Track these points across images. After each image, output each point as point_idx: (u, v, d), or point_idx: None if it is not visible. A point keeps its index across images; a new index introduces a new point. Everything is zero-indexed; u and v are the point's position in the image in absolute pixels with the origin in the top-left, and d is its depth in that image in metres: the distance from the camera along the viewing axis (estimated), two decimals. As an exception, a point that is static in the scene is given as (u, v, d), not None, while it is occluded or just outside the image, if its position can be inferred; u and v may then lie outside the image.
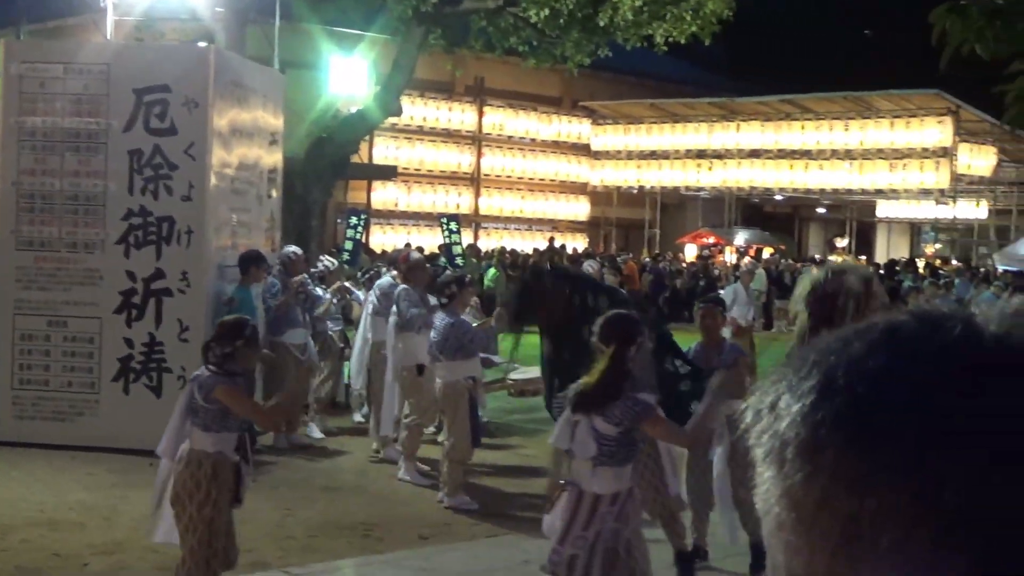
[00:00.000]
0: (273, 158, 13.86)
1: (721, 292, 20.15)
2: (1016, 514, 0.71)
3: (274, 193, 13.95)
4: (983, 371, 0.73)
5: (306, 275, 12.90)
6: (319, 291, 13.14)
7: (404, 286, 11.89)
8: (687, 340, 9.11)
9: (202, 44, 14.12)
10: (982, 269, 32.97)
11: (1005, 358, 0.74)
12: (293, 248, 13.18)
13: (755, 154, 39.08)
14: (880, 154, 36.68)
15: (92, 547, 8.46)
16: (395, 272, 13.88)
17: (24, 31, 15.17)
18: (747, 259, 36.10)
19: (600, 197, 43.18)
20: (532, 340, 9.55)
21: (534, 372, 11.52)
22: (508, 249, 35.00)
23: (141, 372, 11.67)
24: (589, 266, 18.07)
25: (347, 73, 26.08)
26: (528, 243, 38.41)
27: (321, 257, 15.77)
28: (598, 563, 5.77)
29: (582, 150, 42.83)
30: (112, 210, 11.71)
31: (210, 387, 6.44)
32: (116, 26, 14.81)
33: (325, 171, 21.52)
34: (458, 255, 27.23)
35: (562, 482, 6.04)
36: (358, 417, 13.61)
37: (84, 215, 11.76)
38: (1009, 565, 0.71)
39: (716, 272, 34.01)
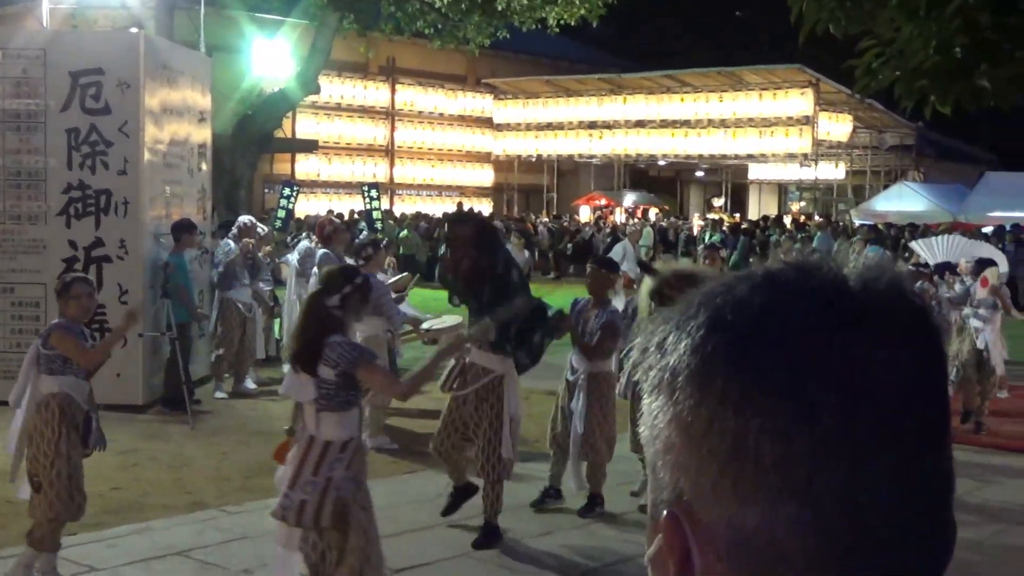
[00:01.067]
0: (202, 134, 13.66)
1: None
2: (875, 433, 0.74)
3: (204, 166, 13.76)
4: (850, 311, 0.76)
5: (252, 241, 12.82)
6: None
7: (325, 250, 11.82)
8: (581, 292, 9.16)
9: (133, 30, 13.85)
10: (841, 223, 33.59)
11: (868, 301, 0.77)
12: (248, 217, 13.13)
13: (640, 124, 39.34)
14: (750, 123, 37.12)
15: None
16: (314, 237, 13.84)
17: (-36, 19, 14.73)
18: (635, 219, 36.40)
19: (503, 165, 43.26)
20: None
21: (449, 321, 11.51)
22: (422, 213, 35.07)
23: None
24: (514, 239, 18.17)
25: (269, 55, 25.70)
26: (439, 207, 38.39)
27: (256, 224, 15.62)
28: (328, 511, 5.26)
29: (485, 123, 42.81)
30: (53, 184, 11.46)
31: (47, 334, 6.36)
32: (52, 14, 14.45)
33: (251, 146, 21.29)
34: (377, 220, 27.19)
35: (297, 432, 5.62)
36: (287, 368, 13.50)
37: (27, 189, 11.49)
38: (874, 479, 0.74)
39: (608, 229, 34.24)
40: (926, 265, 12.96)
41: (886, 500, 0.74)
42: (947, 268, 12.09)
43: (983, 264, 11.61)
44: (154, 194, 11.92)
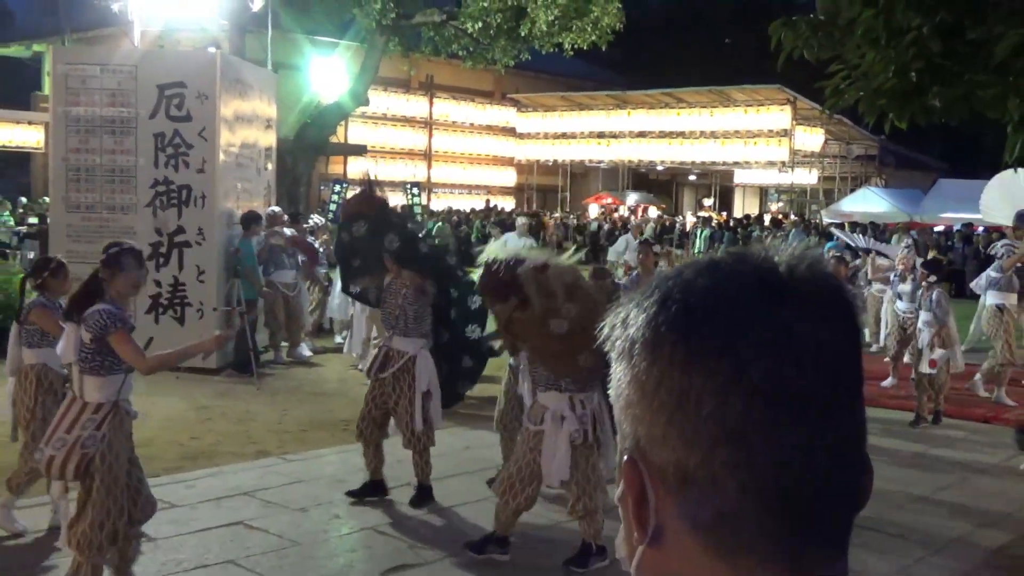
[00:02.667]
0: (268, 139, 13.67)
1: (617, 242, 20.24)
2: (797, 387, 0.76)
3: (269, 166, 13.78)
4: (776, 288, 0.79)
5: (294, 231, 12.83)
6: (311, 240, 13.09)
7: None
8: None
9: (210, 49, 13.82)
10: (813, 221, 33.39)
11: (792, 281, 0.79)
12: (275, 207, 13.12)
13: (642, 134, 39.18)
14: (736, 134, 36.92)
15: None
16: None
17: (68, 39, 14.77)
18: (642, 217, 36.24)
19: (524, 168, 43.17)
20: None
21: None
22: (454, 209, 35.16)
23: (168, 306, 11.53)
24: (521, 220, 18.15)
25: (326, 72, 25.67)
26: (469, 203, 38.37)
27: (311, 216, 15.66)
28: (72, 466, 4.86)
29: (509, 132, 42.70)
30: (142, 180, 11.51)
31: (27, 311, 6.17)
32: (142, 35, 14.46)
33: (309, 149, 21.29)
34: (418, 213, 27.38)
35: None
36: (338, 339, 13.57)
37: (120, 184, 11.55)
38: (797, 425, 0.76)
39: (609, 224, 34.13)
40: (847, 247, 12.89)
41: (807, 443, 0.76)
42: (932, 268, 10.46)
43: (933, 269, 10.25)
44: (227, 189, 11.95)
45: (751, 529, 0.76)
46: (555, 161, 42.20)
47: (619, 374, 0.82)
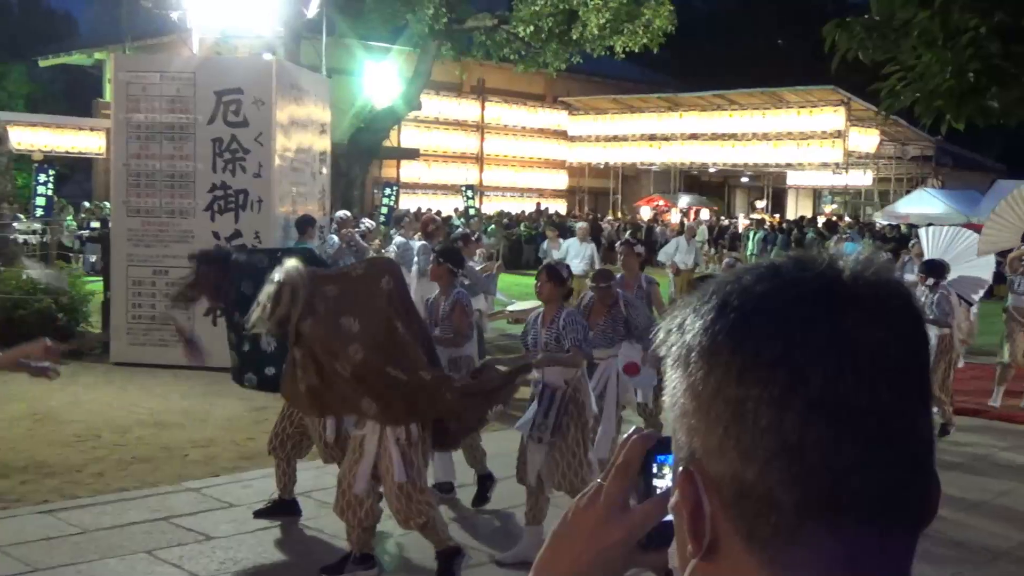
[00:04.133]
0: (323, 144, 13.81)
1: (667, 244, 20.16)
2: (859, 399, 0.73)
3: (324, 170, 13.91)
4: (840, 295, 0.76)
5: (355, 232, 12.94)
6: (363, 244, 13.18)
7: (423, 242, 11.87)
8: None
9: (266, 56, 14.01)
10: (869, 223, 32.97)
11: (857, 288, 0.77)
12: (345, 212, 13.24)
13: (694, 136, 38.92)
14: (789, 136, 36.55)
15: (191, 441, 8.53)
16: (402, 231, 13.91)
17: (129, 47, 15.04)
18: (693, 219, 35.99)
19: (575, 171, 43.08)
20: (527, 281, 9.55)
21: (529, 304, 11.55)
22: (505, 211, 35.24)
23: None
24: (580, 225, 18.18)
25: (379, 77, 25.86)
26: (520, 206, 38.40)
27: (363, 219, 15.75)
28: None
29: (561, 135, 42.64)
30: (200, 185, 11.70)
31: None
32: (200, 43, 14.68)
33: (363, 153, 21.47)
34: (472, 215, 27.68)
35: None
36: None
37: (179, 188, 11.74)
38: (857, 439, 0.73)
39: (658, 228, 33.96)
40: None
41: (867, 458, 0.73)
42: (933, 269, 9.80)
43: (930, 271, 9.70)
44: (283, 193, 12.10)
45: (809, 546, 0.74)
46: (606, 164, 42.08)
47: (675, 382, 0.81)
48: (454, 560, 5.54)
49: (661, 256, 18.28)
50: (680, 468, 0.81)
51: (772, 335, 0.75)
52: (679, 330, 0.81)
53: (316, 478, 7.53)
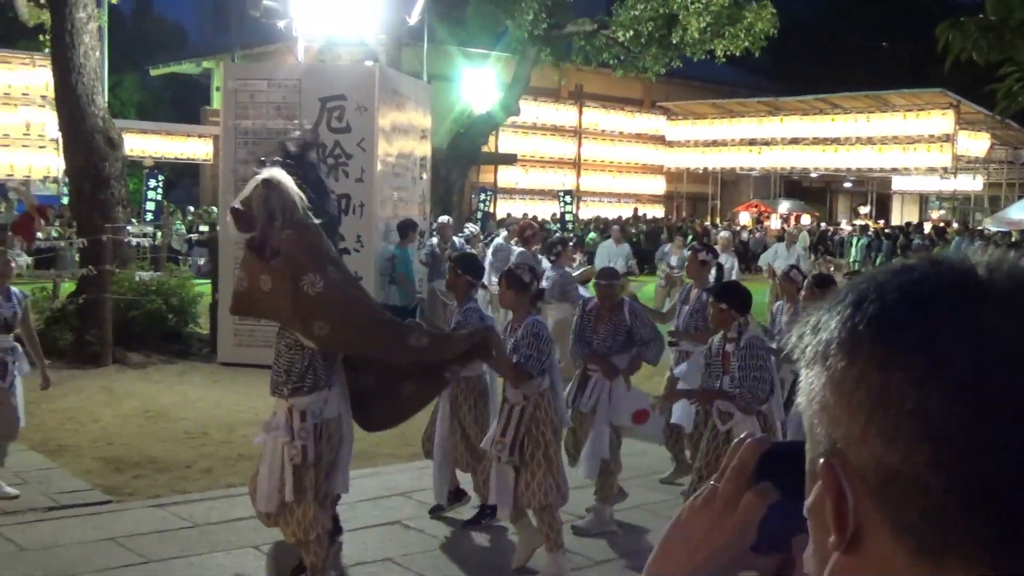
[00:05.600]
0: (423, 149, 13.96)
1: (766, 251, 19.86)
2: (1000, 383, 0.74)
3: (424, 175, 14.07)
4: (975, 288, 0.78)
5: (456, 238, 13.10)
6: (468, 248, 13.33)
7: (522, 248, 11.92)
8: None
9: (369, 63, 14.24)
10: (978, 230, 31.99)
11: (991, 282, 0.78)
12: (446, 217, 13.38)
13: (795, 141, 38.35)
14: (895, 140, 35.70)
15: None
16: (505, 234, 13.98)
17: (237, 56, 15.44)
18: (795, 225, 35.38)
19: (673, 176, 42.79)
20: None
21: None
22: (601, 217, 35.23)
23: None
24: (615, 228, 18.17)
25: (478, 83, 26.05)
26: (617, 211, 38.28)
27: (467, 224, 15.93)
28: None
29: (659, 140, 42.41)
30: (304, 190, 11.93)
31: None
32: (305, 51, 15.00)
33: (462, 159, 21.64)
34: (569, 221, 27.83)
35: None
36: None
37: (284, 194, 11.99)
38: (1000, 421, 0.73)
39: (760, 232, 33.46)
40: None
41: (1012, 442, 0.73)
42: None
43: None
44: (384, 198, 12.27)
45: (957, 530, 0.74)
46: (705, 169, 41.70)
47: (811, 379, 0.82)
48: None
49: (761, 262, 18.02)
50: (820, 461, 0.81)
51: (912, 324, 0.76)
52: (813, 331, 0.83)
53: (417, 479, 7.62)
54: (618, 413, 6.63)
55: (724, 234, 15.44)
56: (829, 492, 0.80)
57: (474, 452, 6.41)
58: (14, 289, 7.08)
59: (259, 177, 5.03)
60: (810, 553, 0.84)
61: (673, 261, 17.85)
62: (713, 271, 7.91)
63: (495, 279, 12.09)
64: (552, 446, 5.70)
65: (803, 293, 7.05)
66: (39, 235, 17.36)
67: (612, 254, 15.66)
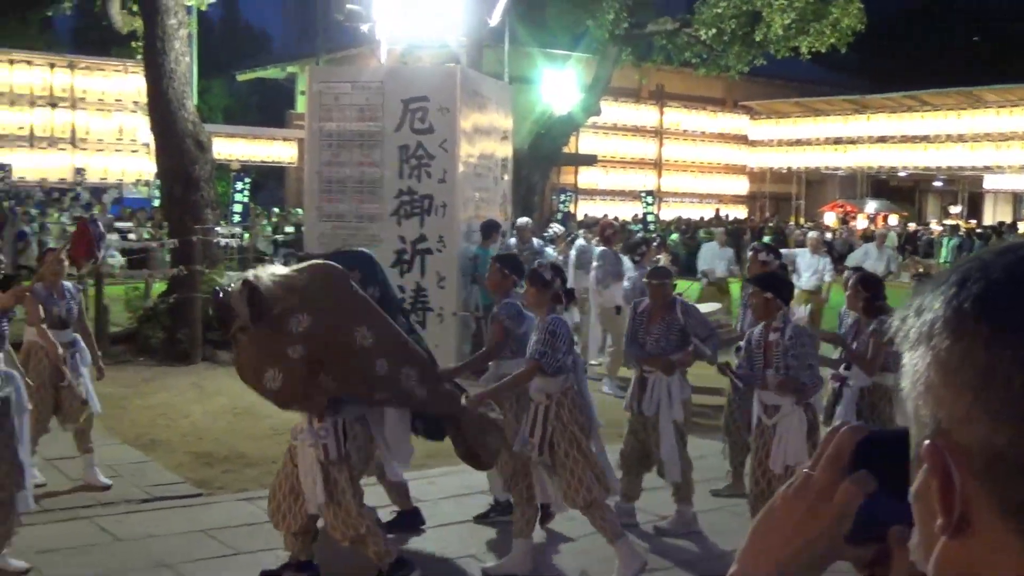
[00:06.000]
0: (504, 150, 14.01)
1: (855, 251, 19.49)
2: None
3: (505, 177, 14.11)
4: None
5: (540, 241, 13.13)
6: (549, 250, 13.38)
7: (603, 248, 11.89)
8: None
9: (450, 64, 14.34)
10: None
11: None
12: (526, 219, 13.42)
13: (882, 139, 37.62)
14: (987, 137, 34.78)
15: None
16: (586, 235, 13.95)
17: (322, 60, 15.71)
18: (883, 226, 34.66)
19: (756, 176, 42.30)
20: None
21: (710, 307, 11.41)
22: (682, 218, 35.01)
23: (410, 311, 12.01)
24: (719, 231, 17.90)
25: (559, 84, 26.06)
26: (699, 212, 37.96)
27: (551, 224, 15.96)
28: None
29: (741, 139, 41.98)
30: (387, 190, 12.06)
31: None
32: (388, 53, 15.17)
33: (543, 160, 21.66)
34: (651, 222, 27.72)
35: None
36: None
37: (368, 195, 12.13)
38: None
39: (845, 233, 32.83)
40: None
41: None
42: None
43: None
44: (466, 199, 12.33)
45: None
46: (789, 168, 41.11)
47: (915, 360, 0.81)
48: (395, 574, 5.36)
49: (850, 262, 17.62)
50: (925, 442, 0.80)
51: (1019, 303, 0.75)
52: (916, 314, 0.82)
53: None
54: (679, 409, 6.58)
55: (813, 234, 14.90)
56: (935, 474, 0.79)
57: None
58: (67, 284, 7.41)
59: (243, 277, 5.26)
60: (916, 541, 0.83)
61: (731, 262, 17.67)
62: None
63: (582, 281, 12.10)
64: (584, 442, 5.63)
65: (848, 292, 6.80)
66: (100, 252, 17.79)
67: (716, 256, 15.53)
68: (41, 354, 6.95)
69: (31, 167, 27.59)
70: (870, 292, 6.36)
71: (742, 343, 6.22)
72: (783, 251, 10.11)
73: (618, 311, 10.98)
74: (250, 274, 5.21)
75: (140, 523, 6.44)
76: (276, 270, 5.40)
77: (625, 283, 10.28)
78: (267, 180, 41.48)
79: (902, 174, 41.07)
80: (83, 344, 7.33)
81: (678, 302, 6.82)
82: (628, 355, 6.98)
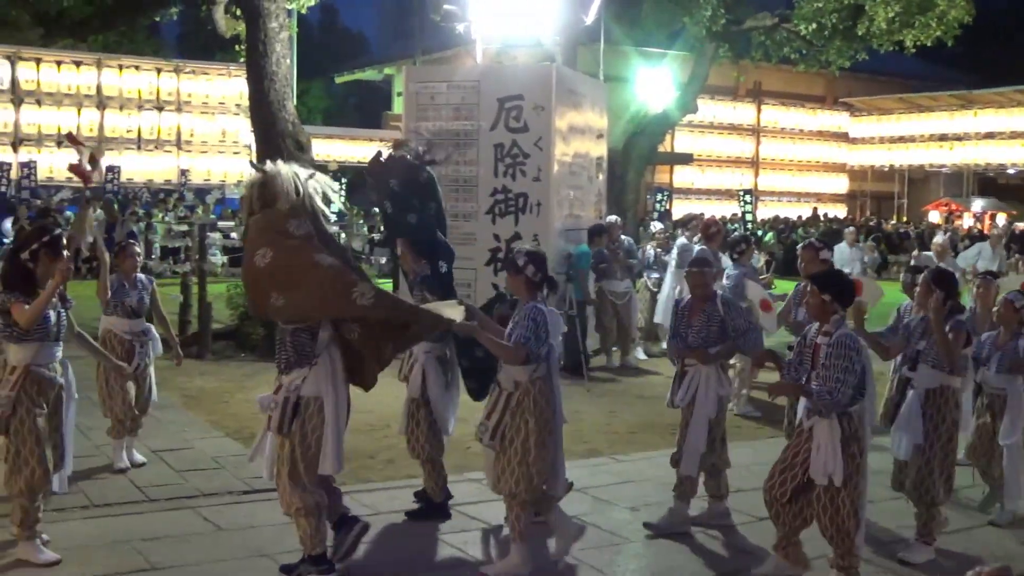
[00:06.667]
0: (599, 149, 13.95)
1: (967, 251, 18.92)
2: None
3: (600, 176, 14.06)
4: None
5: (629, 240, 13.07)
6: (648, 248, 13.39)
7: (702, 245, 11.76)
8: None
9: (545, 63, 14.35)
10: None
11: None
12: (614, 217, 13.35)
13: (990, 136, 36.40)
14: (1102, 132, 33.44)
15: (472, 435, 8.83)
16: (687, 233, 13.81)
17: (418, 60, 15.87)
18: (999, 224, 33.50)
19: (856, 174, 41.41)
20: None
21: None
22: (780, 217, 34.45)
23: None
24: (849, 230, 17.48)
25: (654, 82, 25.89)
26: (797, 211, 37.30)
27: (652, 222, 15.85)
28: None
29: (841, 137, 41.12)
30: (482, 189, 12.11)
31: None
32: (483, 53, 15.26)
33: (638, 159, 21.55)
34: (749, 221, 27.42)
35: None
36: (664, 345, 13.57)
37: (462, 193, 12.20)
38: None
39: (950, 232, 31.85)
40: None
41: None
42: None
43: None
44: (561, 198, 12.32)
45: None
46: (891, 166, 40.11)
47: None
48: (312, 568, 5.30)
49: (960, 261, 17.02)
50: None
51: None
52: None
53: (591, 475, 7.63)
54: (713, 405, 6.44)
55: (940, 239, 13.70)
56: None
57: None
58: (140, 276, 7.87)
59: (261, 169, 5.32)
60: None
61: (866, 259, 17.26)
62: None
63: (678, 282, 11.98)
64: (537, 435, 5.51)
65: (919, 288, 6.45)
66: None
67: (848, 257, 15.25)
68: (115, 341, 7.52)
69: (138, 169, 28.47)
70: (944, 290, 5.98)
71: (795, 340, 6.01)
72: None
73: None
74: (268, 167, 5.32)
75: (241, 513, 6.58)
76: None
77: (725, 281, 10.12)
78: (363, 180, 42.09)
79: (1011, 171, 39.69)
80: (155, 333, 7.86)
81: (718, 294, 6.72)
82: (670, 350, 6.87)
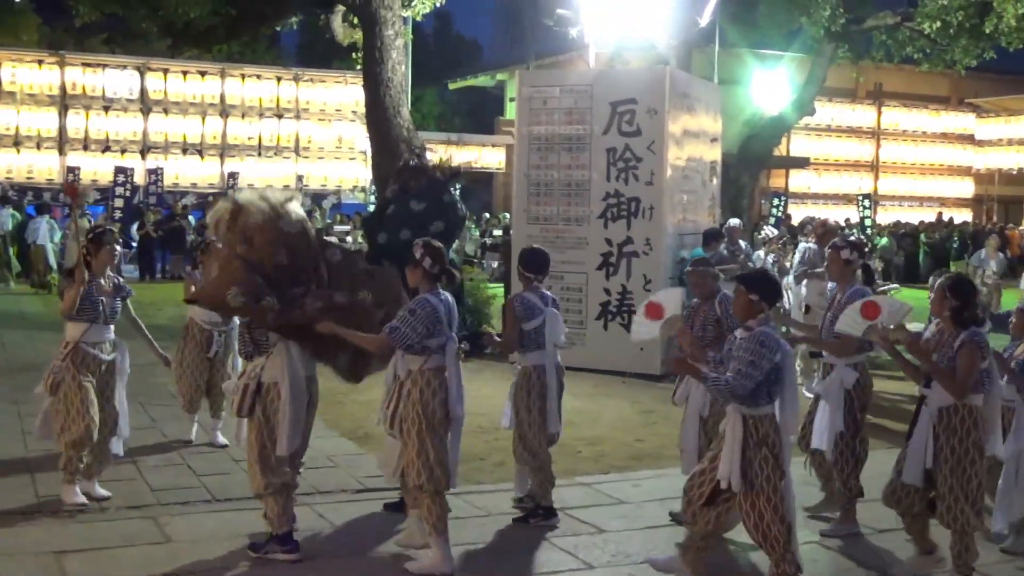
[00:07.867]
0: (713, 153, 13.79)
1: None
2: None
3: (714, 180, 13.91)
4: None
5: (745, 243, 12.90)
6: (760, 254, 13.17)
7: (811, 246, 11.53)
8: None
9: (659, 66, 14.26)
10: None
11: None
12: (736, 220, 13.19)
13: None
14: None
15: (583, 439, 8.85)
16: (808, 238, 13.55)
17: (531, 65, 15.95)
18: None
19: (983, 178, 39.89)
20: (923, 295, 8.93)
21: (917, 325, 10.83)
22: (901, 222, 33.47)
23: (616, 313, 12.02)
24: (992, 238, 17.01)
25: (769, 85, 25.47)
26: (919, 216, 36.15)
27: (764, 227, 15.64)
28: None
29: (967, 139, 39.68)
30: (595, 193, 12.11)
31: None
32: (596, 57, 15.25)
33: (753, 162, 21.22)
34: (868, 226, 26.84)
35: None
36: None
37: (575, 197, 12.23)
38: None
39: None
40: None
41: None
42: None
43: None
44: (674, 202, 12.23)
45: None
46: (1020, 169, 38.55)
47: None
48: (277, 548, 5.66)
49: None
50: None
51: None
52: None
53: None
54: (706, 404, 6.44)
55: (993, 237, 13.31)
56: None
57: (528, 446, 6.64)
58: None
59: (232, 199, 5.74)
60: None
61: (993, 266, 16.64)
62: (859, 273, 6.99)
63: (800, 287, 11.72)
64: (422, 427, 5.58)
65: (932, 296, 5.84)
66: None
67: (988, 264, 14.87)
68: (195, 329, 8.29)
69: (257, 175, 29.29)
70: (960, 300, 5.51)
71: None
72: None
73: (807, 310, 10.64)
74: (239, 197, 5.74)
75: (354, 512, 6.71)
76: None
77: (829, 284, 9.88)
78: (476, 185, 42.42)
79: None
80: (235, 323, 8.27)
81: (719, 294, 6.66)
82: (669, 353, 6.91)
